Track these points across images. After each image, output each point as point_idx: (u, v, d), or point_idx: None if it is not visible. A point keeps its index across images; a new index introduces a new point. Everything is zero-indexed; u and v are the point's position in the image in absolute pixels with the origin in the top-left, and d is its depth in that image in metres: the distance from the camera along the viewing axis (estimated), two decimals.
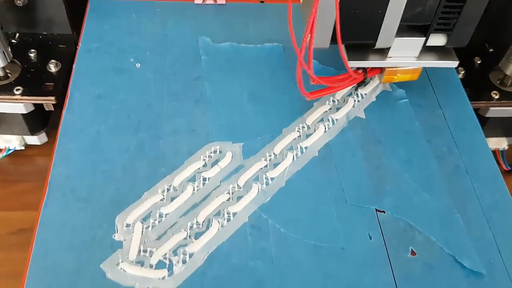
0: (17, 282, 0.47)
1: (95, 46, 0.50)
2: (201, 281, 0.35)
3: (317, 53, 0.41)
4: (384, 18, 0.39)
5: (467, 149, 0.44)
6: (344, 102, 0.48)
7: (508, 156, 0.59)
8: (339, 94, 0.48)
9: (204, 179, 0.41)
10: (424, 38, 0.41)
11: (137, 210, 0.38)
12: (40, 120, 0.54)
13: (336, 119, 0.46)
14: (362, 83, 0.46)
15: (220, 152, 0.43)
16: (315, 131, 0.45)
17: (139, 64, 0.49)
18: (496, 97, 0.52)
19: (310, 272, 0.35)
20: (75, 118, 0.44)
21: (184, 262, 0.35)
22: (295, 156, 0.42)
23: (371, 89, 0.49)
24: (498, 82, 0.53)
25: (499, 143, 0.59)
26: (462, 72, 0.53)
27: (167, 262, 0.36)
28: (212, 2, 0.55)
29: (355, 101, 0.47)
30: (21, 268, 0.49)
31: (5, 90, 0.48)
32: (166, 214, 0.38)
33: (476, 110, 0.53)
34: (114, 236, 0.37)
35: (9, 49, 0.49)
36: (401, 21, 0.39)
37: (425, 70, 0.50)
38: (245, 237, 0.37)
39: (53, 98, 0.48)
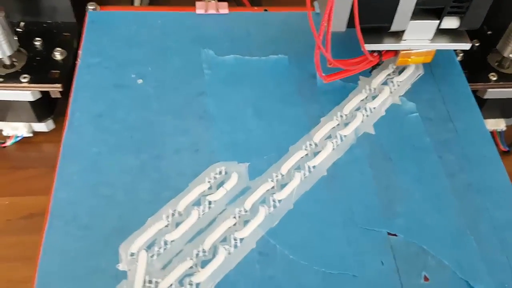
0: (27, 264, 0.49)
1: (95, 61, 0.49)
2: None
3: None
4: (400, 2, 0.40)
5: (480, 165, 0.43)
6: (352, 117, 0.46)
7: (506, 137, 0.60)
8: (347, 109, 0.47)
9: (210, 202, 0.39)
10: (438, 21, 0.42)
11: (141, 237, 0.37)
12: (47, 108, 0.55)
13: (345, 136, 0.44)
14: (378, 65, 0.47)
15: (225, 173, 0.41)
16: (323, 148, 0.43)
17: (141, 80, 0.48)
18: (494, 78, 0.53)
19: None
20: (76, 138, 0.43)
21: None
22: (302, 176, 0.41)
23: (380, 103, 0.47)
24: (496, 64, 0.54)
25: (497, 124, 0.60)
26: (461, 54, 0.54)
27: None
28: (215, 12, 0.54)
29: (363, 115, 0.46)
30: (31, 251, 0.51)
31: (12, 78, 0.49)
32: (171, 241, 0.37)
33: (474, 92, 0.54)
34: (118, 266, 0.36)
35: (15, 38, 0.49)
36: (416, 4, 0.40)
37: (434, 79, 0.50)
38: (253, 264, 0.36)
39: (59, 85, 0.49)
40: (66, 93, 0.48)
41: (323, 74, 0.43)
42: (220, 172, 0.41)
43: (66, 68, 0.50)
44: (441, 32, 0.43)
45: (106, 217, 0.38)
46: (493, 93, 0.55)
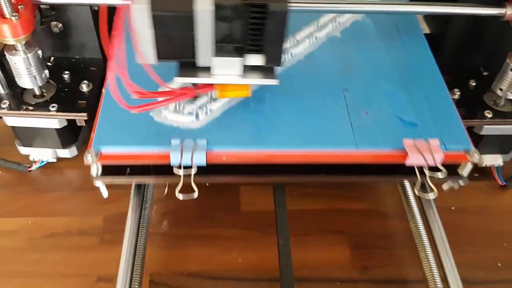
0: (48, 281, 0.53)
1: None
2: (218, 124, 0.49)
3: None
4: (197, 40, 0.41)
5: (414, 53, 0.58)
6: (325, 25, 0.60)
7: (503, 172, 0.63)
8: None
9: None
10: (241, 58, 0.43)
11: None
12: (72, 135, 0.60)
13: (319, 36, 0.59)
14: (195, 99, 0.50)
15: None
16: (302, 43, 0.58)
17: None
18: (490, 115, 0.56)
19: (294, 123, 0.49)
20: None
21: (206, 113, 0.49)
22: (286, 58, 0.56)
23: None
24: (492, 103, 0.57)
25: (494, 159, 0.62)
26: (458, 93, 0.57)
27: (195, 113, 0.49)
28: None
29: (333, 26, 0.60)
30: (52, 268, 0.54)
31: (42, 107, 0.54)
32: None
33: (471, 128, 0.57)
34: None
35: (46, 71, 0.54)
36: (217, 42, 0.42)
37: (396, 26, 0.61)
38: (248, 102, 0.50)
39: (85, 114, 0.53)
40: (90, 122, 0.53)
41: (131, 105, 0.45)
42: None
43: (91, 99, 0.55)
44: (252, 69, 0.45)
45: None
46: (489, 129, 0.58)
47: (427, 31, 0.65)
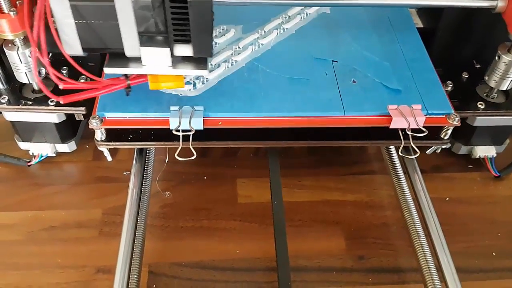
0: (47, 272, 0.53)
1: None
2: (214, 92, 0.52)
3: None
4: (120, 30, 0.41)
5: (403, 34, 0.61)
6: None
7: (496, 163, 0.64)
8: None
9: (216, 43, 0.58)
10: (168, 48, 0.43)
11: None
12: (70, 130, 0.60)
13: (309, 13, 0.63)
14: (128, 88, 0.48)
15: (226, 30, 0.59)
16: (293, 18, 0.62)
17: None
18: (482, 107, 0.56)
19: (286, 91, 0.53)
20: None
21: (203, 83, 0.53)
22: (278, 32, 0.60)
23: None
24: (485, 94, 0.58)
25: (487, 151, 0.63)
26: (451, 85, 0.58)
27: (192, 82, 0.52)
28: None
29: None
30: (51, 260, 0.55)
31: (41, 101, 0.55)
32: None
33: (464, 120, 0.58)
34: None
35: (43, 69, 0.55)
36: (141, 32, 0.41)
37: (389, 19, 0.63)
38: (243, 72, 0.54)
39: (83, 108, 0.54)
40: (88, 116, 0.53)
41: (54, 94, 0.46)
42: (223, 29, 0.60)
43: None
44: (184, 59, 0.45)
45: None
46: (482, 120, 0.59)
47: (420, 25, 0.66)
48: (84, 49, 0.43)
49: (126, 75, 0.47)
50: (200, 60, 0.45)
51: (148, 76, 0.46)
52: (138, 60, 0.44)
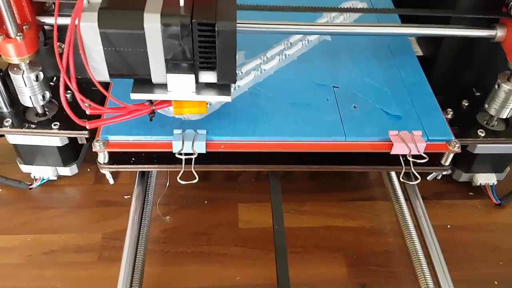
0: None
1: None
2: (217, 116, 0.53)
3: None
4: (148, 57, 0.42)
5: (402, 59, 0.62)
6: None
7: (497, 191, 0.64)
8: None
9: None
10: (193, 75, 0.44)
11: None
12: (72, 153, 0.61)
13: (311, 40, 0.64)
14: (152, 114, 0.49)
15: None
16: (295, 45, 0.63)
17: None
18: (482, 135, 0.57)
19: (288, 116, 0.53)
20: None
21: (210, 104, 0.53)
22: (280, 58, 0.61)
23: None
24: (485, 122, 0.59)
25: (488, 178, 0.63)
26: (451, 113, 0.58)
27: None
28: None
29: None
30: (50, 284, 0.54)
31: (44, 125, 0.55)
32: None
33: (465, 147, 0.58)
34: None
35: (47, 92, 0.55)
36: (168, 59, 0.43)
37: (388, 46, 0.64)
38: (246, 97, 0.55)
39: (86, 132, 0.54)
40: (91, 139, 0.54)
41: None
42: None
43: (92, 118, 0.55)
44: (208, 85, 0.46)
45: None
46: (482, 148, 0.59)
47: (420, 53, 0.67)
48: (111, 75, 0.44)
49: (151, 101, 0.48)
50: (223, 87, 0.47)
51: (173, 101, 0.47)
52: (163, 86, 0.45)
